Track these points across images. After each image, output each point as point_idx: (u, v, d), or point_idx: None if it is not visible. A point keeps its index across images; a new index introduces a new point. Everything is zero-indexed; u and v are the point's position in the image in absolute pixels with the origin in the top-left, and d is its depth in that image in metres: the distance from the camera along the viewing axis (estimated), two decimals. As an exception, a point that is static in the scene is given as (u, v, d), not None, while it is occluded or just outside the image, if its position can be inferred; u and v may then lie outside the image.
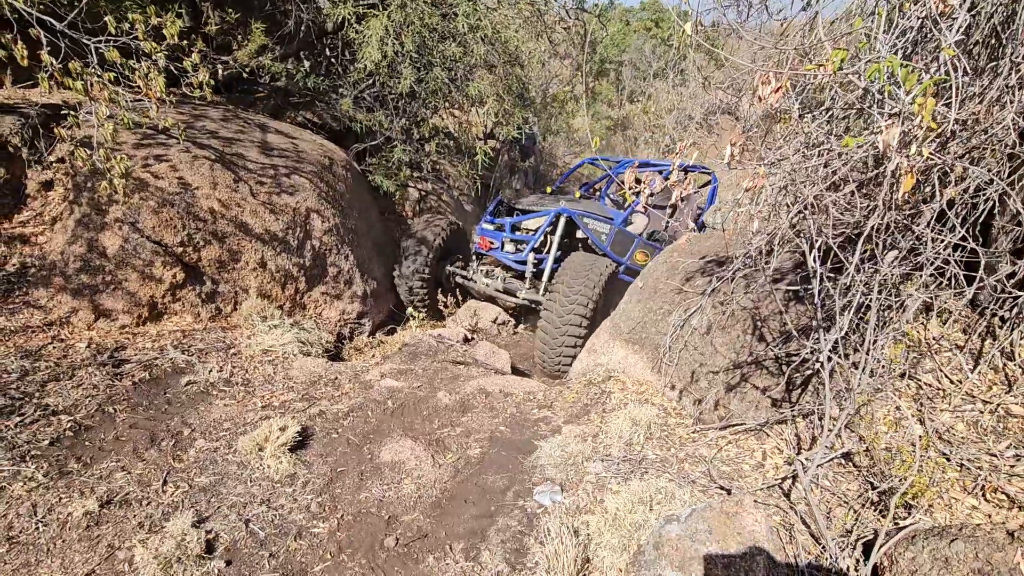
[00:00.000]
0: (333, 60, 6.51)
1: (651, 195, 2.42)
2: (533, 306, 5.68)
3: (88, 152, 3.33)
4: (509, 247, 6.01)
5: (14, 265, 4.33)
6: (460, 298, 6.96)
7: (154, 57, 3.30)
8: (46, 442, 3.08)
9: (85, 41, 3.39)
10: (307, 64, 7.22)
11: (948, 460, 2.32)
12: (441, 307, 6.45)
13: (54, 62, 3.03)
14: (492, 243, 6.11)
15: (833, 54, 1.42)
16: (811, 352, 2.36)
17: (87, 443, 3.14)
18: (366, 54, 4.95)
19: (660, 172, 7.19)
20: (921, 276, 2.12)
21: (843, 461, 2.50)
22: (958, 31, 1.41)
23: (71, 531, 2.59)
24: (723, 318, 3.26)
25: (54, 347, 3.85)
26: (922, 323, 2.81)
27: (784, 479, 2.53)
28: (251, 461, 3.11)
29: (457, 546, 2.62)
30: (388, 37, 4.84)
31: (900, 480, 2.13)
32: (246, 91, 7.51)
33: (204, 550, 2.52)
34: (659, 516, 2.34)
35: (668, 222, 6.75)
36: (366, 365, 4.43)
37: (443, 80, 5.32)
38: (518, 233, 6.06)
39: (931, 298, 2.48)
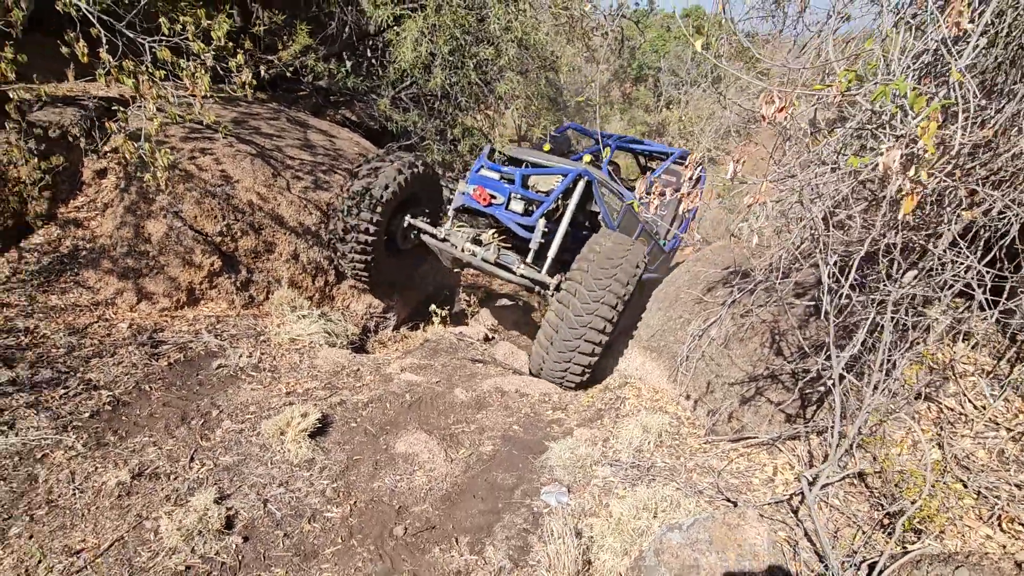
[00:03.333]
0: (373, 61, 6.69)
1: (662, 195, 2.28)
2: (535, 289, 4.47)
3: (135, 145, 3.52)
4: (517, 205, 4.55)
5: (67, 247, 4.61)
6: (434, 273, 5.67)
7: (202, 57, 3.48)
8: (87, 414, 3.28)
9: (141, 40, 3.60)
10: (348, 64, 7.44)
11: (965, 487, 2.26)
12: (464, 305, 6.48)
13: (111, 60, 3.23)
14: (494, 197, 4.60)
15: (840, 75, 1.42)
16: (823, 369, 2.33)
17: (124, 417, 3.34)
18: (400, 54, 5.09)
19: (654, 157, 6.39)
20: (944, 297, 2.07)
21: (855, 481, 2.46)
22: (969, 56, 1.39)
23: (104, 499, 2.76)
24: (741, 330, 3.24)
25: (99, 326, 4.09)
26: (948, 345, 2.74)
27: (793, 495, 2.50)
28: (273, 444, 3.25)
29: (463, 539, 2.69)
30: (423, 38, 4.97)
31: (909, 503, 2.09)
32: (291, 89, 7.79)
33: (224, 526, 2.65)
34: (663, 524, 2.35)
35: (659, 215, 5.76)
36: (388, 358, 4.54)
37: (475, 80, 5.40)
38: (530, 191, 4.66)
39: (954, 321, 2.42)
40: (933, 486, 2.15)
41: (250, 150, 5.26)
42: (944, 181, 1.51)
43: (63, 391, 3.40)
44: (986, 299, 1.89)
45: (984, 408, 2.50)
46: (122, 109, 3.71)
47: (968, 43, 1.40)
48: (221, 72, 3.94)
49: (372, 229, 4.70)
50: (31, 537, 2.51)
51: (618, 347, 4.37)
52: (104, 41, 3.42)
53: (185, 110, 4.41)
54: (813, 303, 2.81)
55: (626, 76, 20.17)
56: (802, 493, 2.48)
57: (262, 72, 6.78)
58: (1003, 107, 1.62)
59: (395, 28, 5.44)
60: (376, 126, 7.84)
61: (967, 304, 2.43)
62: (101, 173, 5.22)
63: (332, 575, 2.50)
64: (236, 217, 4.92)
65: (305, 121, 6.43)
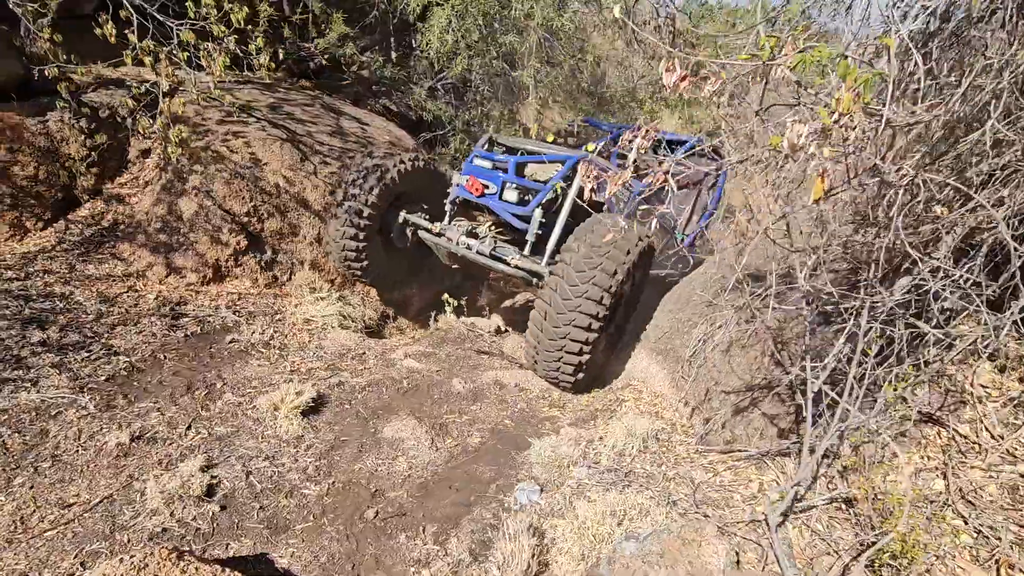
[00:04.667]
0: (408, 51, 6.76)
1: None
2: (532, 280, 4.15)
3: (150, 122, 3.69)
4: (511, 194, 4.31)
5: (108, 221, 4.92)
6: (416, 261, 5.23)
7: (223, 40, 3.60)
8: (103, 378, 3.49)
9: (170, 24, 3.76)
10: (391, 54, 7.56)
11: (965, 523, 2.03)
12: (486, 297, 6.44)
13: (138, 42, 3.40)
14: (487, 187, 4.41)
15: (762, 41, 1.26)
16: (796, 380, 2.14)
17: (135, 383, 3.53)
18: (428, 41, 5.10)
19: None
20: (935, 312, 1.85)
21: (842, 506, 2.26)
22: (915, 20, 1.20)
23: (103, 458, 2.93)
24: (745, 336, 3.05)
25: (128, 296, 4.34)
26: (969, 366, 2.47)
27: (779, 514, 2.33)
28: (266, 419, 3.35)
29: (430, 528, 2.67)
30: (449, 27, 4.96)
31: (883, 534, 1.89)
32: (334, 78, 8.00)
33: (205, 493, 2.76)
34: (625, 532, 2.25)
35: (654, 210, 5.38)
36: (395, 344, 4.59)
37: (498, 69, 5.35)
38: (526, 180, 4.41)
39: (979, 338, 2.17)
40: (911, 517, 1.94)
41: (281, 134, 5.43)
42: (845, 156, 1.29)
43: (86, 354, 3.63)
44: (988, 312, 1.66)
45: (1002, 438, 2.23)
46: (135, 86, 3.89)
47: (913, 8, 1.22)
48: (242, 54, 4.05)
49: (361, 223, 4.58)
50: (31, 488, 2.69)
51: (628, 347, 4.23)
52: (135, 24, 3.59)
53: (220, 94, 4.61)
54: (818, 309, 2.60)
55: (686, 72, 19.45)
56: (785, 513, 2.31)
57: (307, 61, 7.00)
58: (960, 83, 1.39)
59: (425, 17, 5.45)
60: (414, 116, 7.94)
61: (991, 325, 2.17)
62: (145, 153, 5.53)
63: (298, 551, 2.55)
64: (263, 199, 5.10)
65: (339, 108, 6.57)
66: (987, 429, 2.29)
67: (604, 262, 3.46)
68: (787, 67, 1.21)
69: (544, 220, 4.18)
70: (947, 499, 2.13)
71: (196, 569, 2.07)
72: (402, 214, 4.94)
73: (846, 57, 1.19)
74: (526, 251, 4.21)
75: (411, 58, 6.92)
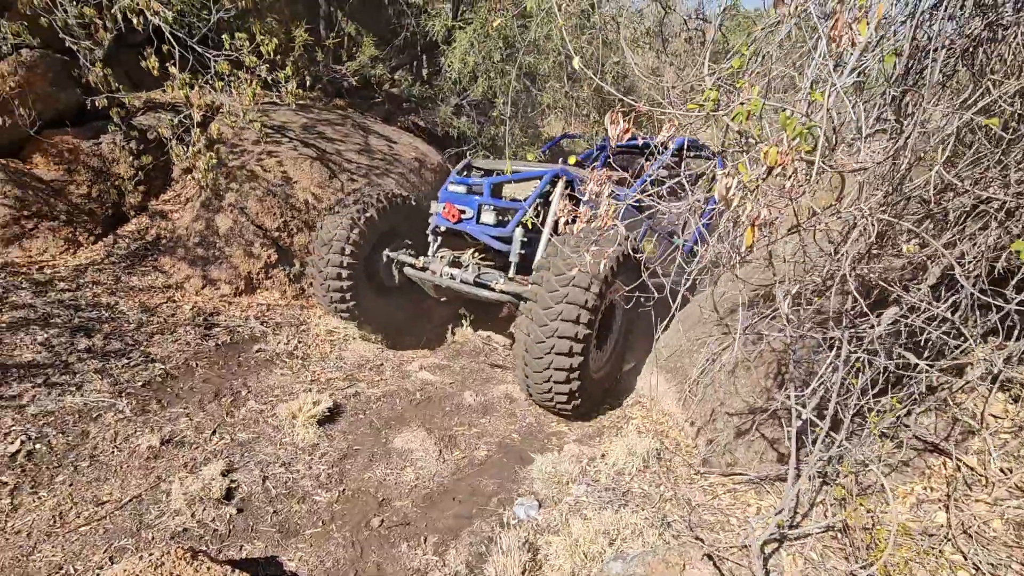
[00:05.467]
0: (436, 71, 6.97)
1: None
2: (518, 303, 3.85)
3: (184, 148, 3.96)
4: (488, 217, 4.17)
5: (152, 235, 5.27)
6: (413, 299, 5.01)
7: (255, 70, 3.84)
8: (140, 383, 3.75)
9: (208, 55, 4.04)
10: (420, 73, 7.82)
11: (965, 558, 1.98)
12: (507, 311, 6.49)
13: (177, 73, 3.67)
14: (463, 212, 4.28)
15: (705, 94, 1.30)
16: (781, 406, 2.13)
17: (168, 389, 3.77)
18: (451, 63, 5.28)
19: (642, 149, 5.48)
20: (927, 341, 1.82)
21: (838, 535, 2.22)
22: (850, 74, 1.21)
23: (135, 459, 3.15)
24: (751, 358, 3.03)
25: (167, 306, 4.64)
26: (981, 395, 2.39)
27: (767, 542, 2.31)
28: (285, 426, 3.52)
29: (431, 539, 2.76)
30: (471, 49, 5.13)
31: (867, 566, 1.86)
32: (365, 97, 8.32)
33: (224, 496, 2.93)
34: (616, 551, 2.28)
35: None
36: (412, 356, 4.72)
37: (518, 88, 5.48)
38: (502, 200, 4.29)
39: (989, 367, 2.12)
40: (906, 549, 1.90)
41: (312, 153, 5.70)
42: (774, 209, 1.30)
43: (126, 361, 3.90)
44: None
45: (1010, 471, 2.16)
46: (168, 117, 4.18)
47: (848, 62, 1.23)
48: (272, 82, 4.30)
49: (344, 274, 4.43)
50: (71, 485, 2.92)
51: (638, 365, 4.23)
52: (176, 55, 3.87)
53: (252, 119, 4.89)
54: (824, 335, 2.57)
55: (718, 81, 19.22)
56: (780, 540, 2.29)
57: (340, 81, 7.32)
58: (903, 129, 1.38)
59: (450, 39, 5.65)
60: (440, 132, 8.16)
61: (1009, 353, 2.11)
62: (187, 171, 5.88)
63: (306, 555, 2.68)
64: (293, 214, 5.35)
65: (369, 126, 6.83)
66: (995, 462, 2.22)
67: (578, 278, 3.25)
68: (729, 118, 1.25)
69: (526, 239, 4.04)
70: (948, 533, 2.07)
71: (208, 569, 2.22)
72: (385, 252, 4.77)
73: (785, 110, 1.23)
74: (512, 272, 4.05)
75: (438, 77, 7.13)
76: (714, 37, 1.74)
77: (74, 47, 3.94)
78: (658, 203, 2.17)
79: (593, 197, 1.73)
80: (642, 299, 3.77)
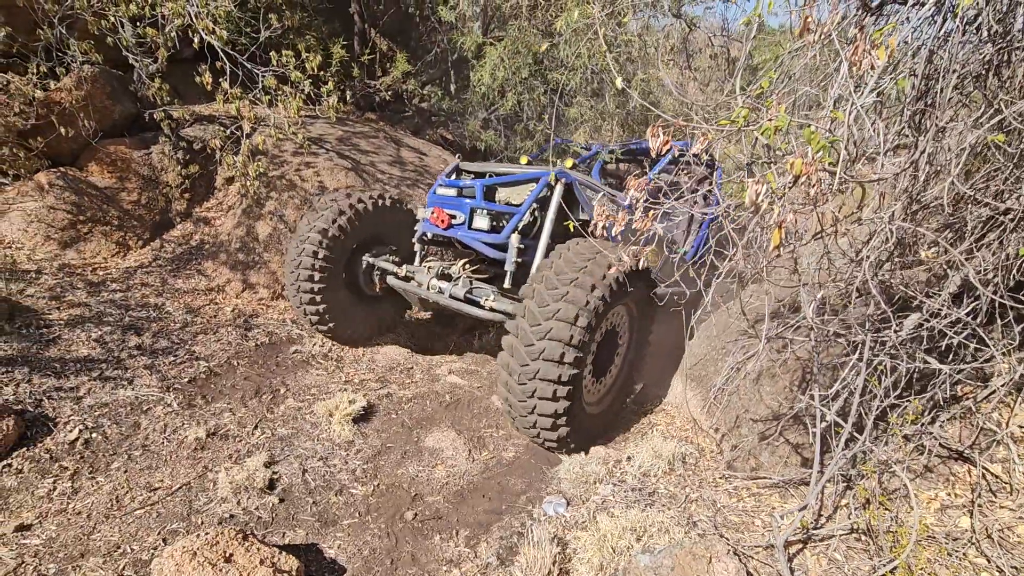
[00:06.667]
0: (466, 85, 7.21)
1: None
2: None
3: (233, 158, 4.20)
4: (481, 221, 3.79)
5: (196, 241, 5.53)
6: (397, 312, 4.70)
7: (300, 85, 4.08)
8: (186, 379, 3.95)
9: (257, 71, 4.29)
10: (450, 87, 8.07)
11: (988, 561, 2.02)
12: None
13: (228, 88, 3.92)
14: (454, 217, 3.89)
15: (736, 111, 1.41)
16: (805, 411, 2.20)
17: (212, 385, 3.97)
18: (480, 78, 5.48)
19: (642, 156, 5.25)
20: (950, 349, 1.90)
21: (861, 536, 2.28)
22: (869, 94, 1.31)
23: (183, 450, 3.33)
24: (776, 366, 3.10)
25: (209, 308, 4.87)
26: (1008, 405, 2.44)
27: (792, 541, 2.38)
28: (322, 423, 3.68)
29: (463, 532, 2.88)
30: (500, 64, 5.32)
31: (885, 563, 1.92)
32: (396, 110, 8.60)
33: (266, 486, 3.09)
34: (644, 547, 2.37)
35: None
36: (440, 360, 4.87)
37: (544, 103, 5.65)
38: (496, 203, 3.93)
39: (986, 376, 2.18)
40: (930, 550, 1.95)
41: (346, 164, 5.94)
42: (797, 212, 1.38)
43: (172, 358, 4.12)
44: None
45: (1035, 479, 2.20)
46: (219, 128, 4.43)
47: (868, 83, 1.33)
48: (314, 96, 4.54)
49: (316, 276, 4.14)
50: (126, 472, 3.11)
51: (664, 375, 4.31)
52: (228, 71, 4.13)
53: (294, 131, 5.15)
54: (846, 340, 2.64)
55: (747, 98, 19.22)
56: (805, 541, 2.35)
57: (373, 95, 7.60)
58: (917, 144, 1.47)
59: (480, 55, 5.86)
60: (469, 145, 8.38)
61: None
62: (230, 180, 6.18)
63: (344, 543, 2.81)
64: (328, 222, 5.58)
65: (400, 139, 7.08)
66: (1021, 470, 2.26)
67: (572, 291, 2.93)
68: (758, 133, 1.37)
69: (523, 246, 3.70)
70: (972, 537, 2.12)
71: (258, 549, 2.36)
72: (365, 258, 4.45)
73: (810, 126, 1.34)
74: (507, 283, 3.71)
75: (467, 91, 7.36)
76: (745, 58, 1.85)
77: (134, 63, 4.22)
78: (684, 207, 2.24)
79: (634, 203, 1.83)
80: (657, 314, 3.71)
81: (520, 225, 3.74)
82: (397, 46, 7.28)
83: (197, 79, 4.07)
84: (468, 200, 3.87)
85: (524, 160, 4.35)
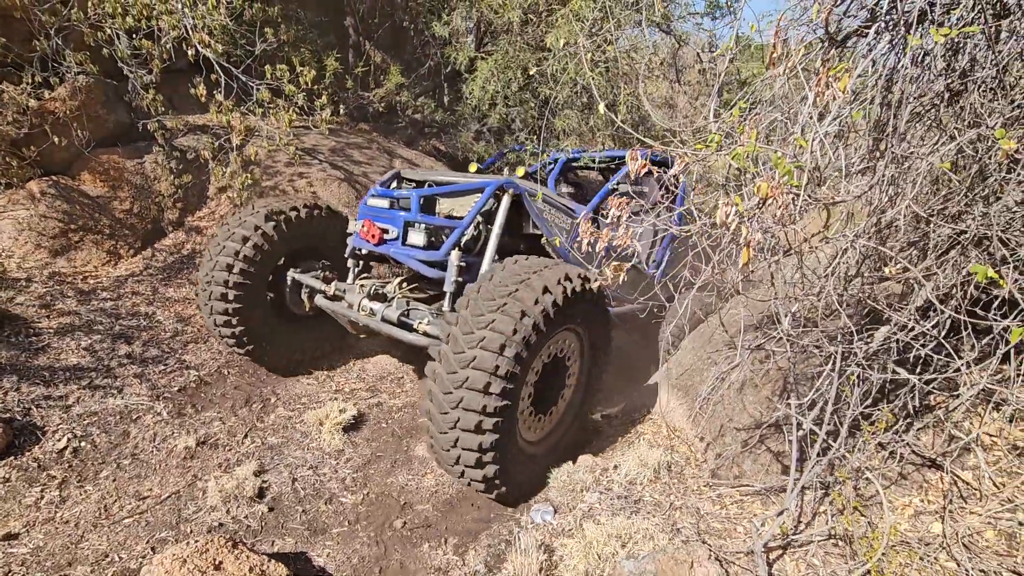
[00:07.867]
0: (458, 97, 7.32)
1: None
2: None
3: (224, 170, 4.25)
4: (417, 237, 3.44)
5: (188, 250, 5.55)
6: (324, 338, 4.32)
7: (294, 98, 4.14)
8: (176, 388, 3.96)
9: (251, 83, 4.35)
10: (443, 100, 8.18)
11: (958, 565, 2.09)
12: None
13: (222, 100, 3.97)
14: (386, 232, 3.54)
15: (711, 137, 1.50)
16: (782, 417, 2.27)
17: (202, 395, 3.98)
18: (471, 91, 5.58)
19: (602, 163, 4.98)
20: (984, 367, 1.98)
21: (839, 543, 2.34)
22: (832, 122, 1.41)
23: (173, 459, 3.35)
24: (758, 376, 3.18)
25: (200, 316, 4.88)
26: (978, 414, 2.53)
27: (771, 548, 2.44)
28: (312, 432, 3.71)
29: (451, 540, 2.91)
30: (491, 78, 5.44)
31: (860, 568, 1.99)
32: (389, 121, 8.69)
33: (256, 495, 3.11)
34: (628, 553, 2.42)
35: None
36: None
37: (533, 116, 5.76)
38: (435, 217, 3.59)
39: (987, 388, 2.26)
40: (902, 555, 2.02)
41: (339, 174, 6.00)
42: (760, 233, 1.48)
43: (162, 367, 4.13)
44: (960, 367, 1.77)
45: (1003, 486, 2.28)
46: (209, 140, 4.48)
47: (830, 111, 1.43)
48: (308, 108, 4.61)
49: (231, 295, 3.74)
50: (114, 480, 3.12)
51: (650, 384, 4.38)
52: (222, 83, 4.18)
53: (286, 143, 5.21)
54: (822, 352, 2.72)
55: (736, 112, 19.54)
56: (784, 547, 2.42)
57: (366, 107, 7.69)
58: (875, 169, 1.57)
59: (473, 68, 5.98)
60: (460, 156, 8.48)
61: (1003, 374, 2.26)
62: (222, 190, 6.20)
63: (333, 552, 2.84)
64: (320, 232, 5.62)
65: (393, 150, 7.15)
66: (990, 477, 2.34)
67: (508, 304, 2.66)
68: (729, 158, 1.46)
69: (465, 264, 3.38)
70: (943, 542, 2.19)
71: (247, 557, 2.39)
72: (290, 273, 4.04)
73: (776, 151, 1.43)
74: (446, 305, 3.37)
75: (459, 104, 7.47)
76: (720, 84, 1.94)
77: (129, 74, 4.27)
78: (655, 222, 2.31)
79: (615, 220, 1.89)
80: (612, 339, 3.42)
81: (462, 240, 3.44)
82: (391, 59, 7.39)
83: (192, 90, 4.12)
84: (402, 213, 3.51)
85: (473, 168, 4.13)
